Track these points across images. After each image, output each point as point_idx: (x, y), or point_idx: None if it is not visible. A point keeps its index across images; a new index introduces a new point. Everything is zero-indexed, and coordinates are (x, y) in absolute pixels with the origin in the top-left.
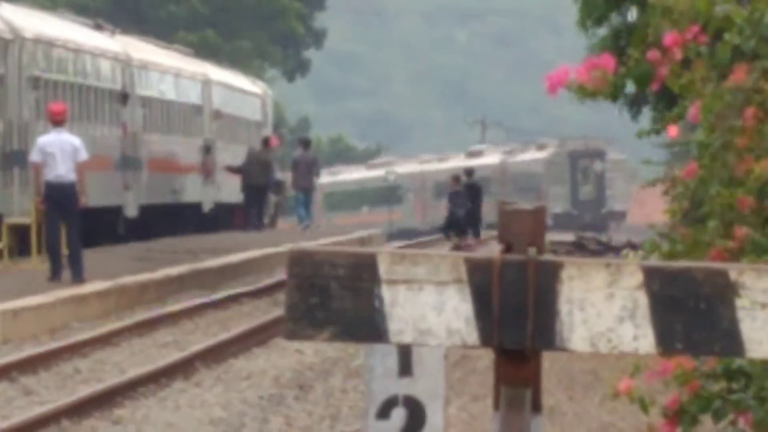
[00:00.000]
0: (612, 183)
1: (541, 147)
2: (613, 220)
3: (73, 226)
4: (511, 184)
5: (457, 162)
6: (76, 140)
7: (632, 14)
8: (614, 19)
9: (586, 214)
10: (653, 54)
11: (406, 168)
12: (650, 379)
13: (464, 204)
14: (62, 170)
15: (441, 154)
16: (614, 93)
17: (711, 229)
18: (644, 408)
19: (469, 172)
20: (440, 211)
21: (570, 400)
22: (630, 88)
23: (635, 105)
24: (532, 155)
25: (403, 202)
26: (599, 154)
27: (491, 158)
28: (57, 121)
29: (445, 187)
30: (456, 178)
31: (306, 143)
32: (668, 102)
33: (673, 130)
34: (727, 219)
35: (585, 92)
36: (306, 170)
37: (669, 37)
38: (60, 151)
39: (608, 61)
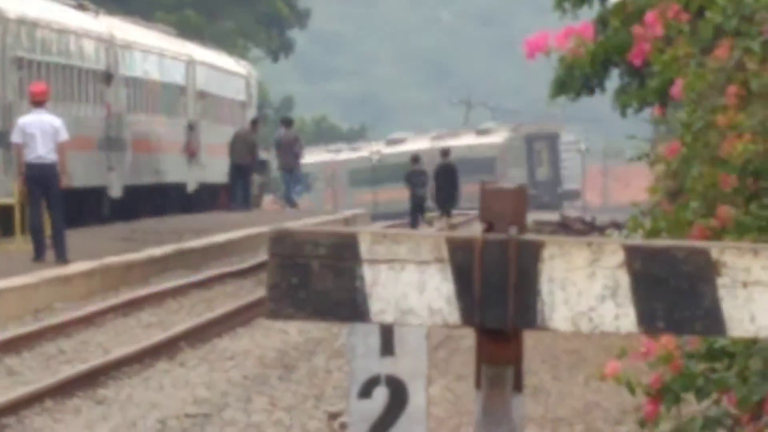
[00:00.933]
0: (565, 163)
1: (482, 132)
2: (567, 199)
3: (55, 206)
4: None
5: (372, 150)
6: (57, 121)
7: None
8: (596, 6)
9: (544, 195)
10: (638, 29)
11: (316, 157)
12: (634, 360)
13: (424, 182)
14: (42, 151)
15: (354, 144)
16: (592, 63)
17: (693, 209)
18: (632, 390)
19: (445, 152)
20: (354, 199)
21: (554, 380)
22: (615, 81)
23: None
24: (470, 140)
25: (312, 190)
26: (553, 137)
27: (415, 145)
28: (37, 102)
29: (361, 175)
30: (415, 158)
31: (288, 123)
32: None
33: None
34: (709, 197)
35: (564, 60)
36: (288, 149)
37: (650, 15)
38: (40, 131)
39: (587, 29)
